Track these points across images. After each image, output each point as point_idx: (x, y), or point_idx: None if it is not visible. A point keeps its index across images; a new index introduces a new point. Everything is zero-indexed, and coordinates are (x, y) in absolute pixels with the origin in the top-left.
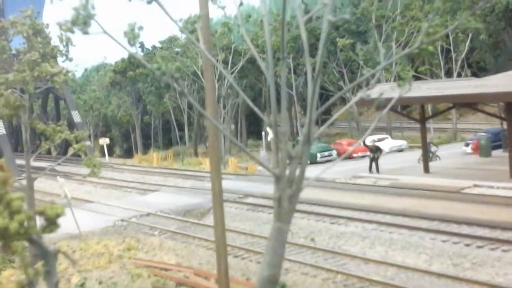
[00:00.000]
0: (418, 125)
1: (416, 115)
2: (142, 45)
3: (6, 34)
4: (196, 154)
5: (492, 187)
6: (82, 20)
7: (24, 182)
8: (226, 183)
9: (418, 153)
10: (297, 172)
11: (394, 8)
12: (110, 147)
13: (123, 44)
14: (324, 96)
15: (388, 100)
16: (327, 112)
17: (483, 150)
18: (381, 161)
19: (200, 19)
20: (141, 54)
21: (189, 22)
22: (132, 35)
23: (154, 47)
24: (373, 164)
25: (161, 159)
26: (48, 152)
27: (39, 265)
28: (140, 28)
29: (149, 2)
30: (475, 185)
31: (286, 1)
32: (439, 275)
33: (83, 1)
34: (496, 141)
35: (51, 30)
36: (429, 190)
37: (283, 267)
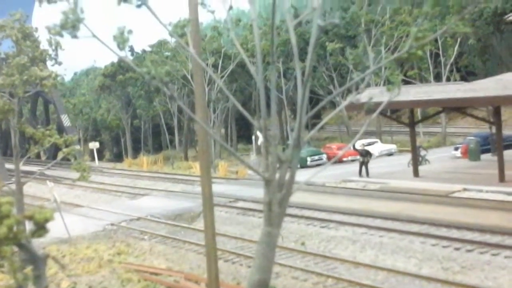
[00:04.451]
0: (407, 129)
1: (405, 119)
2: (131, 49)
3: None
4: (186, 158)
5: (481, 191)
6: (71, 24)
7: (13, 186)
8: (217, 187)
9: (407, 157)
10: (287, 176)
11: (383, 12)
12: (100, 151)
13: (112, 48)
14: (314, 100)
15: (378, 104)
16: (317, 116)
17: (472, 154)
18: (371, 165)
19: (189, 23)
20: (131, 58)
21: (179, 26)
22: (121, 39)
23: (144, 51)
24: (363, 168)
25: (151, 163)
26: (38, 156)
27: (28, 270)
28: (130, 32)
29: (138, 6)
30: (465, 189)
31: (276, 6)
32: (429, 279)
33: (72, 5)
34: (485, 145)
35: (40, 34)
36: (418, 194)
37: (273, 271)
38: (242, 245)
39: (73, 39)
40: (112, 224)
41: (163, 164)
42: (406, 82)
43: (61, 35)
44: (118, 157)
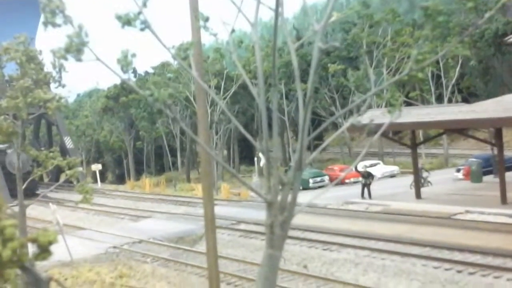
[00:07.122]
0: (409, 151)
1: (407, 140)
2: (134, 71)
3: None
4: (188, 180)
5: (483, 213)
6: (75, 48)
7: (16, 209)
8: (219, 209)
9: (409, 178)
10: (289, 198)
11: (384, 34)
12: (102, 173)
13: (116, 71)
14: (316, 121)
15: (379, 126)
16: (319, 138)
17: (474, 175)
18: (373, 186)
19: (192, 46)
20: (134, 79)
21: (182, 49)
22: (125, 62)
23: (146, 72)
24: (365, 190)
25: (154, 185)
26: (40, 178)
27: None
28: (133, 55)
29: (142, 30)
30: (467, 211)
31: (277, 28)
32: None
33: (77, 29)
34: (487, 167)
35: (44, 57)
36: (420, 216)
37: None
38: (244, 268)
39: (77, 62)
40: (114, 247)
41: (165, 186)
42: (408, 104)
43: (66, 59)
44: (120, 179)
